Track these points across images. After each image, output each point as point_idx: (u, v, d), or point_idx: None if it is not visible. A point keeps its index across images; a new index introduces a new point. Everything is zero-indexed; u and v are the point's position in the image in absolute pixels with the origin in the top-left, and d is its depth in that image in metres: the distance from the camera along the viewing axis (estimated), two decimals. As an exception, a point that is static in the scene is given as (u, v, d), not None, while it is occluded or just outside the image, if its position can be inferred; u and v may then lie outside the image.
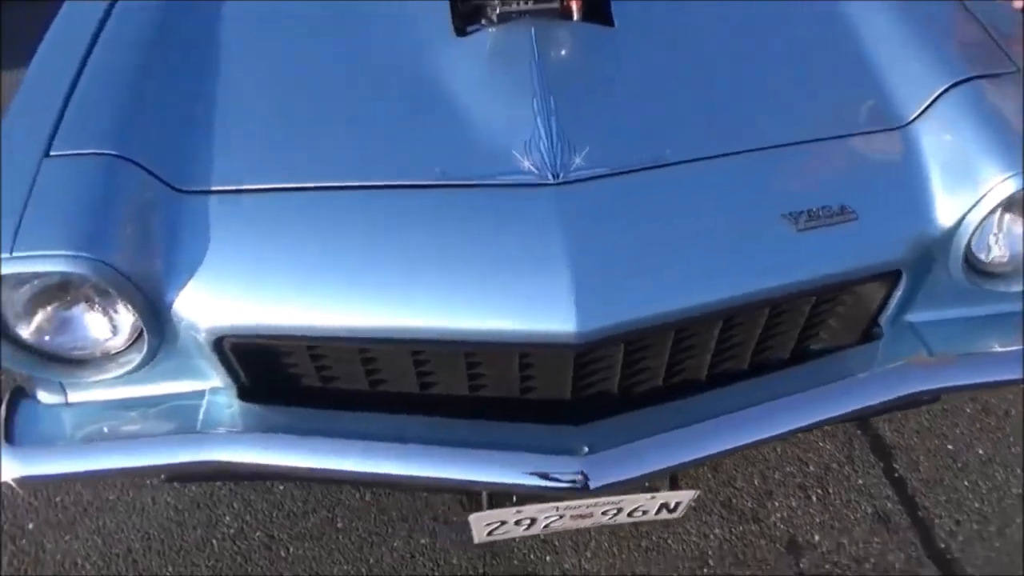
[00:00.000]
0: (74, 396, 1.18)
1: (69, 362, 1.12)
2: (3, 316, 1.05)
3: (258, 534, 1.61)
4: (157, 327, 1.06)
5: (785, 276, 1.06)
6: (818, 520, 1.60)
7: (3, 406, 1.18)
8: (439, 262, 1.05)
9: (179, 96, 1.20)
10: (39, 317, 1.08)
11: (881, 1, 1.26)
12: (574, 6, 1.27)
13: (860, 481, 1.66)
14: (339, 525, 1.61)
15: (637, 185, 1.07)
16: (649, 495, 1.15)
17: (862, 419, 1.70)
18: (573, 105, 1.12)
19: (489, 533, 1.21)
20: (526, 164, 1.08)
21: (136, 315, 1.03)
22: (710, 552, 1.55)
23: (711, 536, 1.58)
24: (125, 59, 1.23)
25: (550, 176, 1.06)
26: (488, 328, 1.02)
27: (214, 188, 1.10)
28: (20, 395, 1.19)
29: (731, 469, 1.67)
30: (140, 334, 1.08)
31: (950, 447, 1.72)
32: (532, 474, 1.06)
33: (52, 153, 1.06)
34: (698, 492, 1.17)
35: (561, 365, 1.09)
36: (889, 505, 1.62)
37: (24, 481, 1.11)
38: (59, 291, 1.07)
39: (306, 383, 1.20)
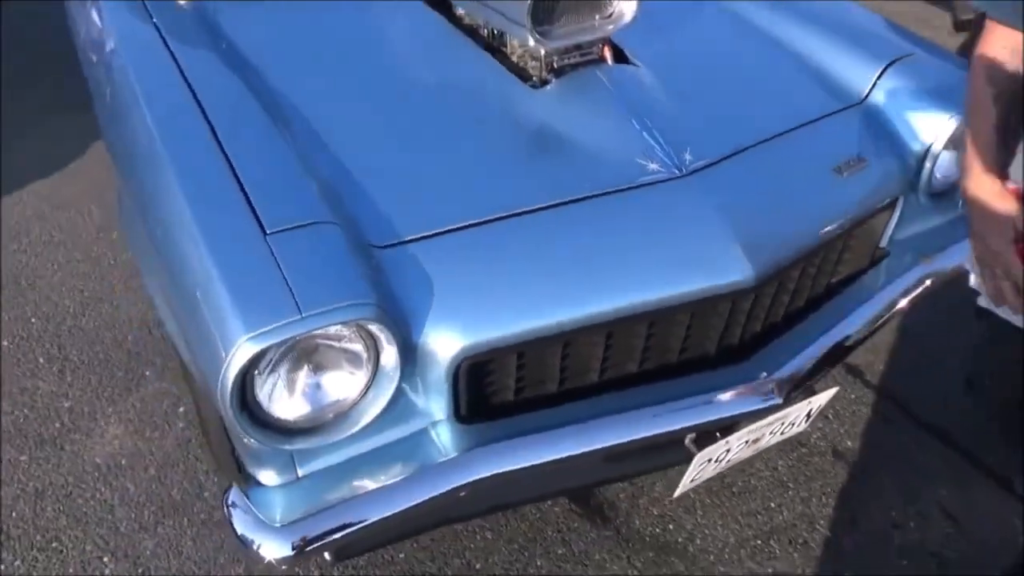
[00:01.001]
0: (303, 470, 1.19)
1: (311, 430, 1.15)
2: (258, 399, 1.08)
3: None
4: (407, 367, 1.14)
5: (848, 209, 1.43)
6: (842, 431, 1.97)
7: (227, 504, 1.16)
8: (618, 252, 1.26)
9: (323, 162, 1.31)
10: (290, 393, 1.11)
11: (813, 28, 1.74)
12: (607, 54, 1.58)
13: (852, 396, 2.07)
14: (478, 566, 1.67)
15: (737, 163, 1.38)
16: (804, 402, 1.42)
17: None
18: (660, 120, 1.41)
19: (693, 479, 1.40)
20: (653, 167, 1.34)
21: (395, 357, 1.11)
22: (785, 478, 1.85)
23: (778, 467, 1.88)
24: (255, 129, 1.33)
25: (676, 171, 1.33)
26: (678, 292, 1.25)
27: (407, 239, 1.23)
28: (241, 487, 1.18)
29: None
30: (370, 387, 1.16)
31: (902, 356, 2.21)
32: (741, 404, 1.30)
33: (270, 231, 1.12)
34: (838, 387, 1.47)
35: (722, 314, 1.34)
36: (881, 407, 2.04)
37: (298, 555, 1.11)
38: (298, 362, 1.12)
39: (500, 399, 1.32)
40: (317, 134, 1.40)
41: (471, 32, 1.70)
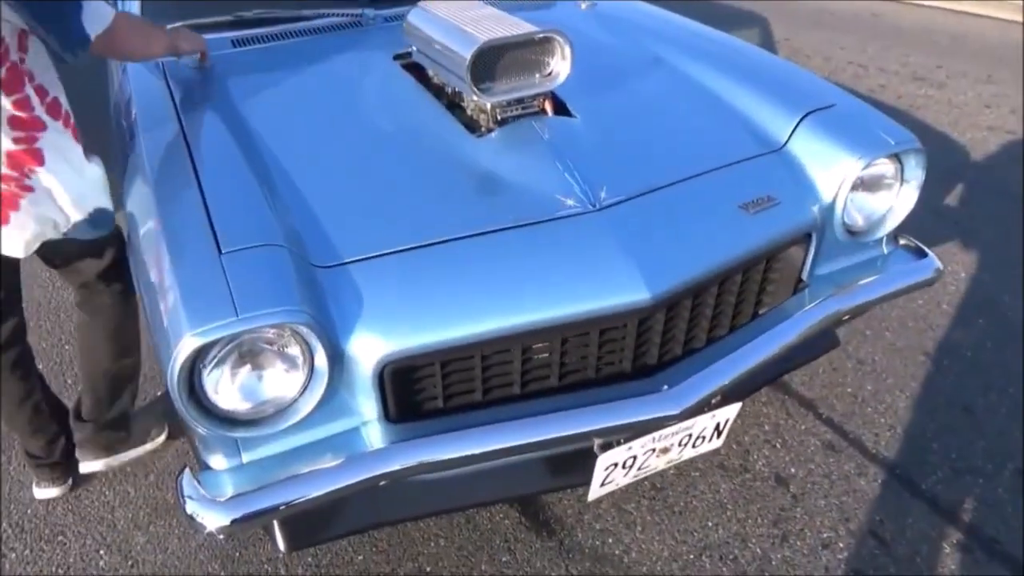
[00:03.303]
0: (247, 456, 1.38)
1: (253, 422, 1.35)
2: (206, 391, 1.28)
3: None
4: (336, 369, 1.34)
5: (751, 243, 1.58)
6: (788, 458, 2.07)
7: (181, 480, 1.36)
8: (532, 274, 1.44)
9: (287, 195, 1.53)
10: (232, 387, 1.31)
11: (743, 81, 1.93)
12: (548, 107, 1.79)
13: (802, 427, 2.18)
14: (428, 569, 1.82)
15: (647, 201, 1.55)
16: (709, 415, 1.56)
17: (792, 363, 2.15)
18: (583, 163, 1.60)
19: (602, 483, 1.54)
20: (569, 202, 1.53)
21: (325, 360, 1.31)
22: (725, 500, 1.96)
23: (721, 490, 1.99)
24: (230, 168, 1.56)
25: (590, 206, 1.51)
26: (582, 310, 1.42)
27: (345, 261, 1.43)
28: (193, 469, 1.37)
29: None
30: (306, 387, 1.35)
31: (849, 390, 2.31)
32: (638, 411, 1.45)
33: (224, 250, 1.34)
34: (740, 404, 1.60)
35: (629, 333, 1.49)
36: (828, 436, 2.14)
37: (236, 525, 1.29)
38: (241, 361, 1.32)
39: (431, 406, 1.49)
40: (289, 174, 1.62)
41: (438, 91, 1.93)
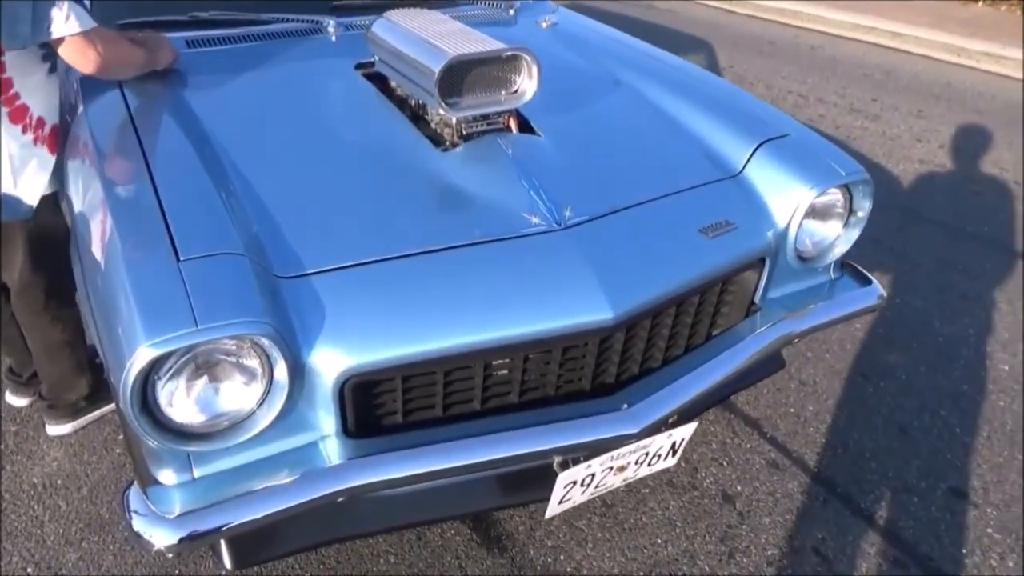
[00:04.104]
0: (199, 471, 1.33)
1: (207, 435, 1.30)
2: (159, 404, 1.23)
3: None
4: (296, 382, 1.31)
5: (710, 265, 1.61)
6: (734, 476, 2.12)
7: (128, 495, 1.30)
8: (496, 291, 1.44)
9: (247, 204, 1.49)
10: (188, 399, 1.27)
11: (703, 108, 1.98)
12: (512, 124, 1.80)
13: (748, 445, 2.23)
14: (377, 587, 1.78)
15: (610, 221, 1.57)
16: (666, 434, 1.58)
17: (742, 383, 2.20)
18: (548, 181, 1.61)
19: (560, 501, 1.54)
20: (534, 220, 1.53)
21: (286, 372, 1.27)
22: (674, 517, 1.99)
23: (670, 507, 2.02)
24: (188, 174, 1.51)
25: (555, 225, 1.52)
26: (546, 328, 1.42)
27: (307, 272, 1.40)
28: (140, 484, 1.32)
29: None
30: (264, 400, 1.32)
31: (792, 410, 2.38)
32: (599, 430, 1.46)
33: (183, 258, 1.30)
34: (696, 423, 1.63)
35: (590, 352, 1.51)
36: (772, 455, 2.20)
37: (185, 543, 1.24)
38: (197, 372, 1.28)
39: (390, 421, 1.47)
40: (249, 182, 1.58)
41: (401, 102, 1.92)
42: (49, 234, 1.75)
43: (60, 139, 1.76)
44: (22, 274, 1.78)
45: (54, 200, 1.72)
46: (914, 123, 4.92)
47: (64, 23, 1.50)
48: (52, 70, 1.72)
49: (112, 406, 2.19)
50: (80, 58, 1.59)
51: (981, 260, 3.35)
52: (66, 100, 1.87)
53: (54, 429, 2.16)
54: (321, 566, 1.82)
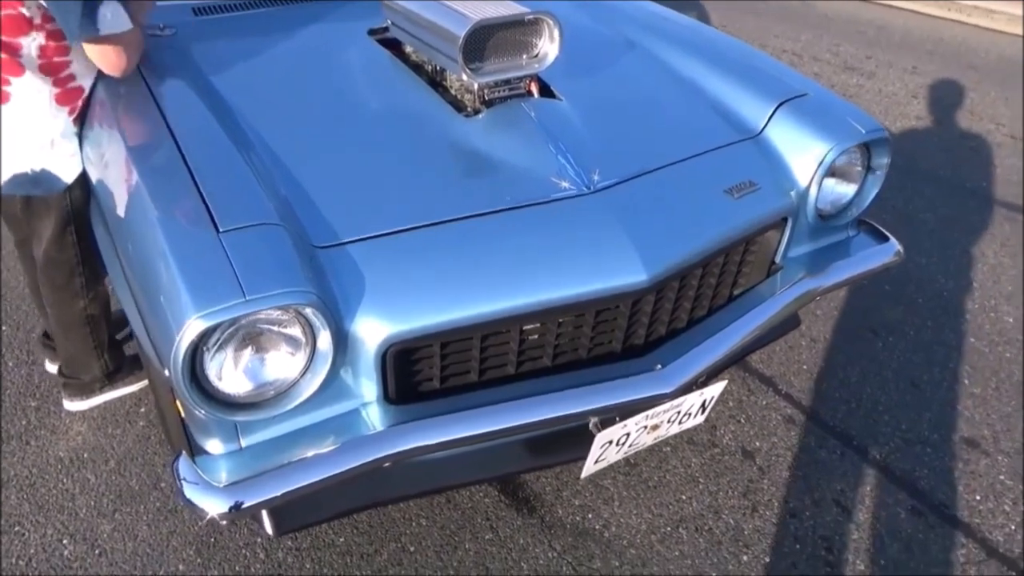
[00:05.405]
0: (246, 440, 1.35)
1: (253, 405, 1.31)
2: (208, 375, 1.24)
3: (341, 582, 1.76)
4: (339, 350, 1.32)
5: (735, 226, 1.63)
6: (752, 433, 2.16)
7: (179, 464, 1.32)
8: (531, 256, 1.44)
9: (277, 174, 1.49)
10: (236, 370, 1.28)
11: (720, 70, 1.97)
12: (534, 89, 1.79)
13: (764, 402, 2.27)
14: (411, 549, 1.82)
15: (638, 184, 1.58)
16: (697, 392, 1.61)
17: (761, 341, 2.23)
18: (574, 145, 1.61)
19: (596, 460, 1.58)
20: (565, 184, 1.54)
21: (330, 341, 1.28)
22: (697, 474, 2.03)
23: (692, 464, 2.06)
24: (215, 145, 1.50)
25: (585, 188, 1.53)
26: (582, 291, 1.43)
27: (343, 241, 1.41)
28: (188, 453, 1.33)
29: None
30: (308, 368, 1.33)
31: (804, 367, 2.42)
32: (636, 390, 1.48)
33: (222, 229, 1.30)
34: (726, 382, 1.66)
35: (622, 314, 1.52)
36: (788, 411, 2.25)
37: (237, 511, 1.26)
38: (243, 343, 1.28)
39: (427, 387, 1.49)
40: (273, 151, 1.57)
41: (417, 68, 1.90)
42: (79, 210, 1.73)
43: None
44: (48, 250, 1.77)
45: (85, 176, 1.70)
46: (909, 80, 4.93)
47: (110, 20, 1.49)
48: None
49: (131, 388, 2.20)
50: (109, 60, 1.59)
51: (981, 215, 3.39)
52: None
53: (70, 404, 2.16)
54: (354, 530, 1.85)
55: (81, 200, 1.72)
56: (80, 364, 2.08)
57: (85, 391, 2.14)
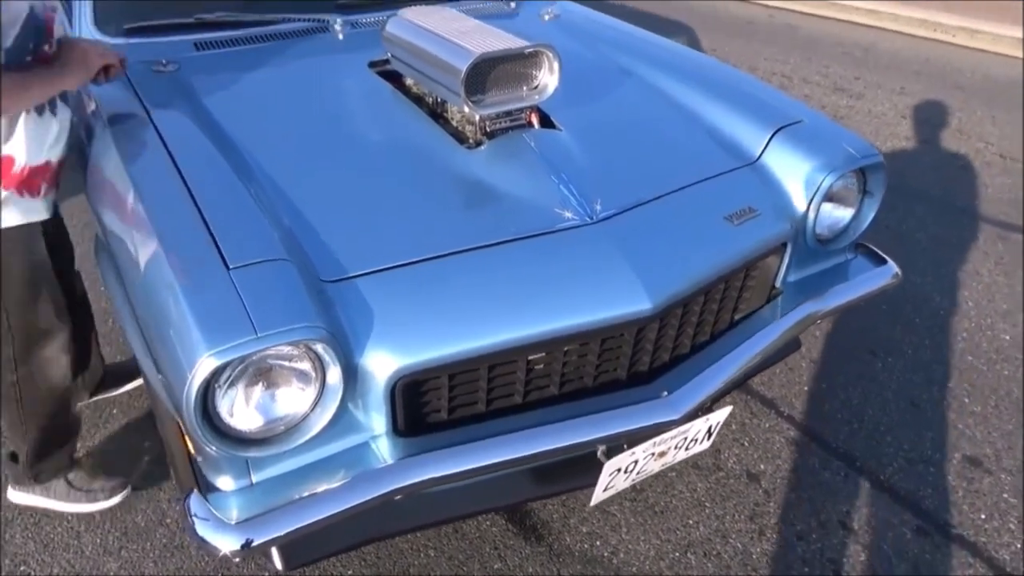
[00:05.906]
0: (257, 476, 1.35)
1: (264, 440, 1.32)
2: (219, 412, 1.25)
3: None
4: (349, 384, 1.32)
5: (736, 252, 1.65)
6: (756, 456, 2.17)
7: (190, 502, 1.32)
8: (536, 287, 1.46)
9: (282, 209, 1.51)
10: (247, 406, 1.28)
11: (717, 98, 2.01)
12: (534, 120, 1.82)
13: (767, 425, 2.28)
14: (419, 580, 1.81)
15: (640, 213, 1.60)
16: (703, 418, 1.62)
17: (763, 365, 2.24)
18: (576, 175, 1.64)
19: (605, 488, 1.58)
20: (567, 215, 1.56)
21: (339, 375, 1.29)
22: (703, 498, 2.04)
23: (697, 489, 2.06)
24: (221, 181, 1.52)
25: (587, 218, 1.55)
26: (587, 320, 1.45)
27: (351, 275, 1.42)
28: (199, 490, 1.33)
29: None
30: (318, 403, 1.33)
31: (805, 388, 2.44)
32: (643, 417, 1.49)
33: (232, 266, 1.31)
34: (731, 407, 1.67)
35: (627, 342, 1.54)
36: (791, 433, 2.26)
37: (249, 548, 1.26)
38: (254, 379, 1.29)
39: (435, 418, 1.50)
40: (278, 185, 1.59)
41: (418, 100, 1.93)
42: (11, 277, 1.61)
43: (69, 162, 1.70)
44: None
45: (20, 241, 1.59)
46: (897, 100, 5.00)
47: None
48: (40, 112, 1.55)
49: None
50: None
51: (974, 234, 3.43)
52: (83, 116, 1.85)
53: (11, 493, 1.98)
54: (362, 562, 1.85)
55: (12, 267, 1.60)
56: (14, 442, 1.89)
57: (20, 480, 1.94)
